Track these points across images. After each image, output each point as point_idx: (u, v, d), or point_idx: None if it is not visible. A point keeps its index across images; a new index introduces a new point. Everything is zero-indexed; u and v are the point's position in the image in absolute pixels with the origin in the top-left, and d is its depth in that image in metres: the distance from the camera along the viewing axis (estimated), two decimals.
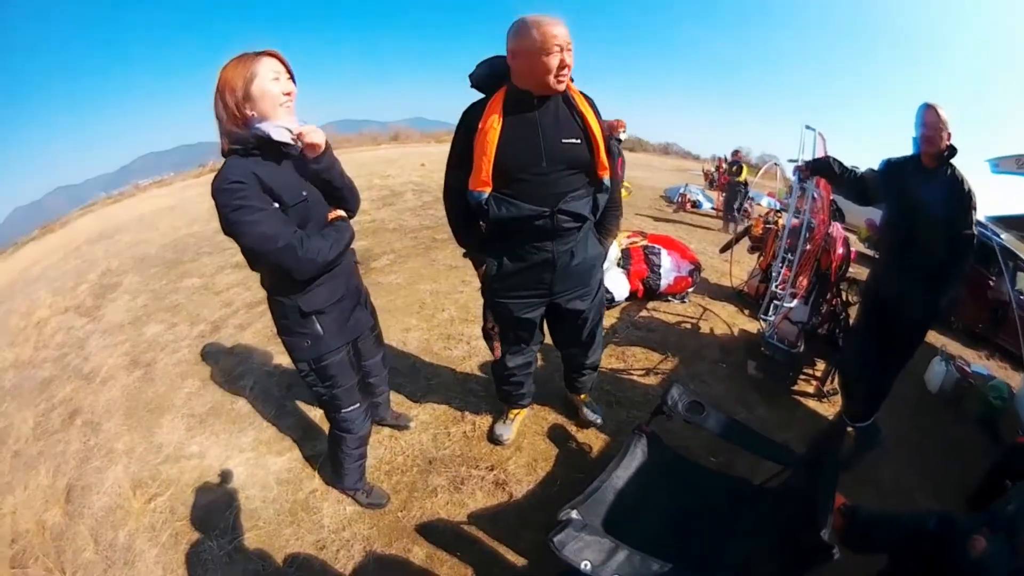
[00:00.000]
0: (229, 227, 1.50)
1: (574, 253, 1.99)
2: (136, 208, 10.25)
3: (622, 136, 5.58)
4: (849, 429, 2.83)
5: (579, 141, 1.82)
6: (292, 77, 1.63)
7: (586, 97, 1.88)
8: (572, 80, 1.81)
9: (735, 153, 10.15)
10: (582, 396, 2.68)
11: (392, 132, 21.25)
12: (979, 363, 4.80)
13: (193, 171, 14.84)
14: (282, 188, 1.57)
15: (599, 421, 2.64)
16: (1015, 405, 3.69)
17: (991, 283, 5.97)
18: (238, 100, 1.50)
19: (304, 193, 1.65)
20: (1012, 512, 1.90)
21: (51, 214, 13.23)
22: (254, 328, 3.71)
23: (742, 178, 8.92)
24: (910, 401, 3.61)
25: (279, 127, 1.55)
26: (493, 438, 2.51)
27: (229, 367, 3.20)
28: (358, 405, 1.94)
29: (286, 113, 1.58)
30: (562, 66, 1.69)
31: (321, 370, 1.80)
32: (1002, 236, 6.14)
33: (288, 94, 1.58)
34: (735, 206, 8.86)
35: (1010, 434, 3.28)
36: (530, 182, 1.83)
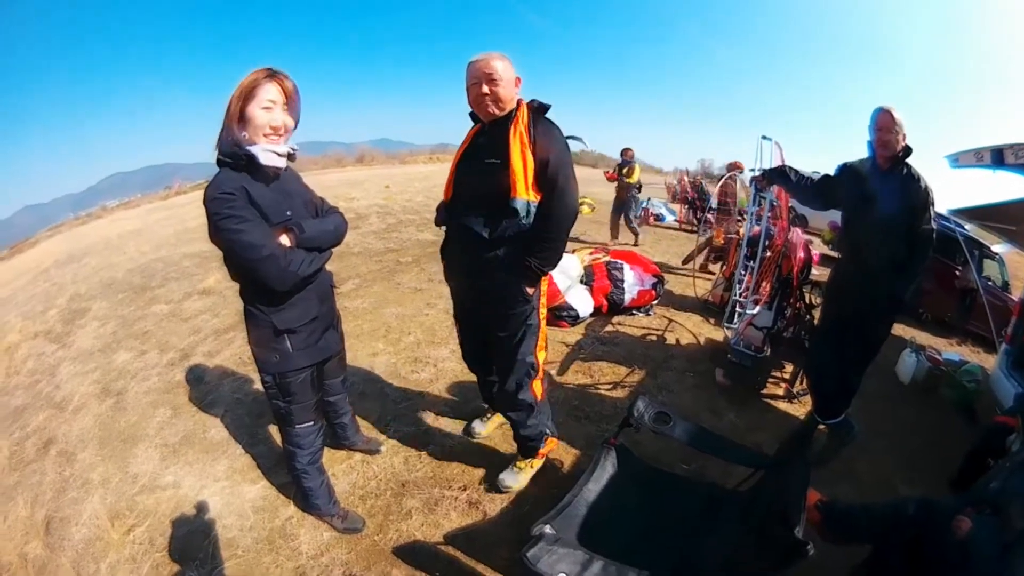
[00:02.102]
0: (217, 233, 1.55)
1: (480, 271, 2.07)
2: (103, 230, 10.08)
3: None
4: (822, 426, 2.88)
5: (499, 162, 1.92)
6: (291, 109, 1.69)
7: (536, 123, 1.97)
8: (529, 109, 1.99)
9: (624, 152, 8.00)
10: (517, 458, 2.46)
11: (358, 154, 21.23)
12: (951, 351, 4.99)
13: (159, 193, 14.63)
14: (268, 206, 1.63)
15: (508, 487, 2.37)
16: (991, 386, 3.81)
17: (957, 273, 6.22)
18: (234, 114, 1.58)
19: (288, 213, 1.71)
20: (996, 489, 1.97)
21: (20, 233, 13.18)
22: (223, 356, 3.69)
23: (633, 179, 7.72)
24: (884, 394, 3.73)
25: (267, 150, 1.61)
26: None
27: (200, 396, 3.17)
28: (312, 423, 1.98)
29: (269, 144, 1.63)
30: (481, 94, 1.92)
31: (284, 385, 1.84)
32: (966, 227, 6.39)
33: (275, 128, 1.63)
34: (630, 215, 7.88)
35: (988, 415, 3.38)
36: (457, 198, 2.12)
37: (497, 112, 1.95)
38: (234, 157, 1.58)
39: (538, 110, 2.05)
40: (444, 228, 2.24)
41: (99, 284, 5.92)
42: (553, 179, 1.95)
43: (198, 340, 4.01)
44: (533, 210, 1.98)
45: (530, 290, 2.11)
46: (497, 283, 2.07)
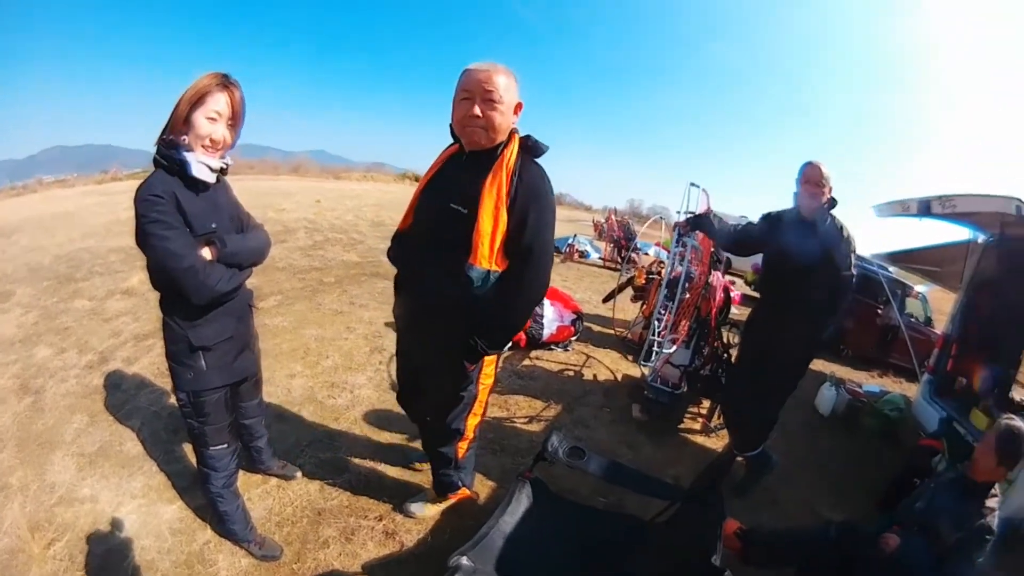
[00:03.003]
0: (142, 238, 1.55)
1: (426, 327, 1.86)
2: (37, 207, 9.54)
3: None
4: (740, 459, 3.01)
5: (465, 212, 1.60)
6: (235, 125, 1.69)
7: (524, 171, 1.63)
8: (515, 143, 1.66)
9: None
10: (427, 491, 2.44)
11: (293, 163, 20.78)
12: (872, 383, 5.39)
13: (95, 176, 13.97)
14: (194, 215, 1.62)
15: (413, 514, 2.38)
16: (914, 412, 4.14)
17: (879, 311, 6.74)
18: (180, 115, 1.58)
19: (213, 225, 1.70)
20: (922, 508, 2.15)
21: None
22: (141, 363, 3.58)
23: None
24: (804, 425, 3.99)
25: (200, 163, 1.61)
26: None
27: (117, 404, 3.06)
28: (226, 446, 1.96)
29: (205, 155, 1.63)
30: (470, 115, 1.57)
31: (198, 404, 1.82)
32: (890, 269, 6.95)
33: (214, 141, 1.64)
34: None
35: (911, 439, 3.66)
36: (414, 235, 1.83)
37: (484, 143, 1.61)
38: (169, 160, 1.58)
39: (529, 150, 1.69)
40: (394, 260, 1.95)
41: (26, 267, 5.62)
42: (528, 247, 1.63)
43: (117, 344, 3.86)
44: (493, 280, 1.67)
45: (470, 367, 1.86)
46: (439, 347, 1.84)
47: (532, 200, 1.61)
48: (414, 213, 1.84)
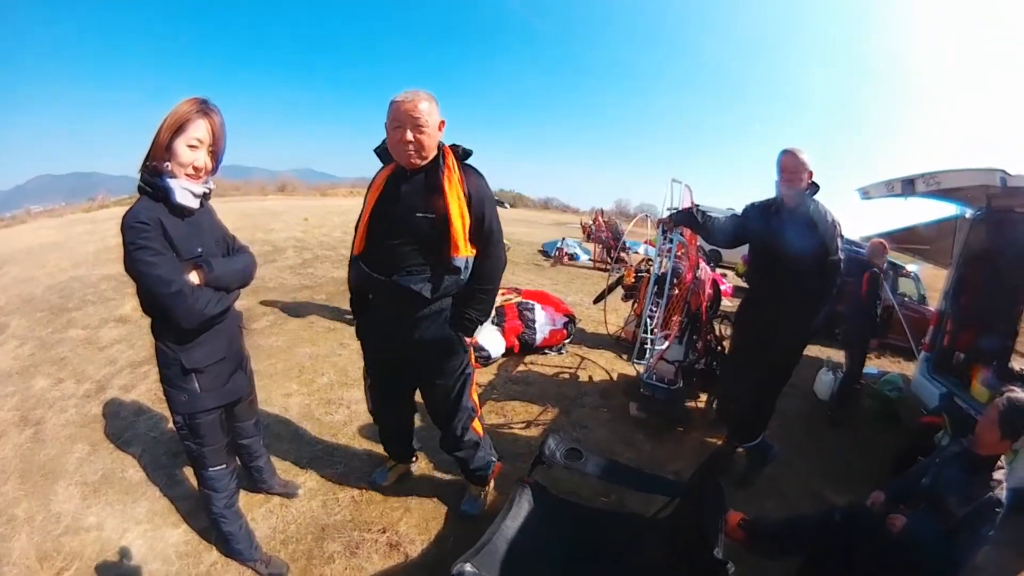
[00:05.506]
0: (130, 264, 1.57)
1: (417, 326, 2.01)
2: (26, 237, 9.57)
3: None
4: (740, 450, 3.01)
5: (433, 217, 1.84)
6: (216, 151, 1.71)
7: (467, 175, 1.91)
8: (450, 155, 1.90)
9: None
10: (470, 488, 2.58)
11: (279, 182, 20.96)
12: (869, 364, 5.31)
13: (83, 204, 14.09)
14: (180, 240, 1.65)
15: (474, 515, 2.51)
16: (914, 390, 4.16)
17: None
18: (161, 143, 1.60)
19: (199, 250, 1.73)
20: (928, 484, 2.12)
21: None
22: (138, 390, 3.59)
23: None
24: (803, 413, 3.98)
25: (184, 189, 1.63)
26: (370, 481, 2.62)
27: (117, 432, 3.07)
28: (224, 466, 1.98)
29: (188, 182, 1.65)
30: (403, 141, 1.76)
31: (194, 426, 1.84)
32: None
33: (196, 169, 1.66)
34: None
35: (912, 418, 3.68)
36: (381, 251, 1.95)
37: (419, 162, 1.83)
38: (153, 187, 1.60)
39: (463, 157, 1.98)
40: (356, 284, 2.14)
41: (18, 298, 5.62)
42: (488, 233, 1.97)
43: (114, 372, 3.87)
44: (471, 265, 1.98)
45: (469, 340, 2.14)
46: (436, 337, 2.04)
47: (483, 199, 1.93)
48: (370, 235, 1.98)
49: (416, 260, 1.91)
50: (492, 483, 2.61)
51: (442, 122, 1.86)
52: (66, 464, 2.80)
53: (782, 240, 2.58)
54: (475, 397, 2.34)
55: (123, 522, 2.39)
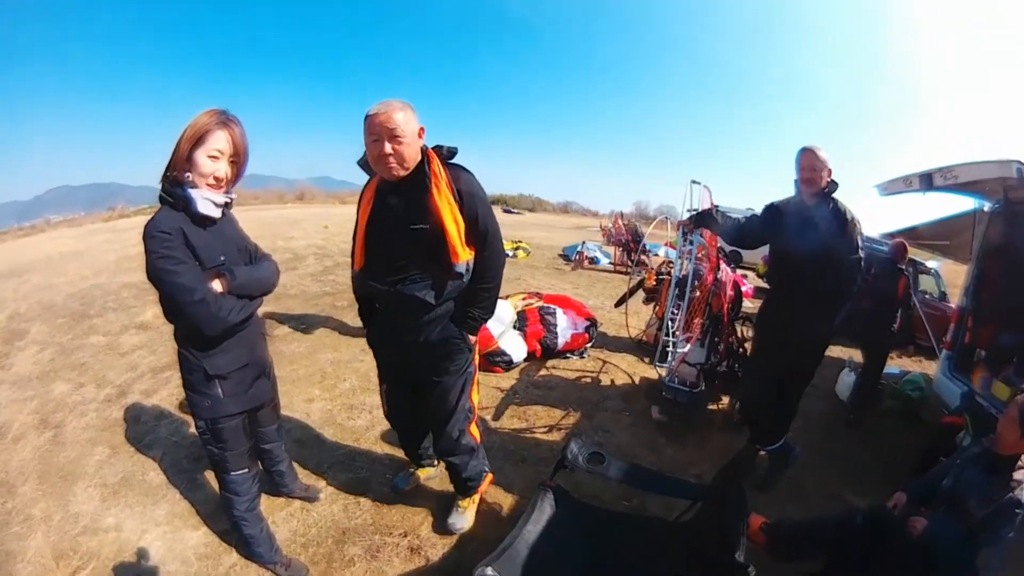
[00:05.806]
0: (153, 273, 1.57)
1: (422, 330, 2.02)
2: (45, 246, 9.71)
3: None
4: (762, 453, 2.96)
5: (427, 227, 1.83)
6: (238, 162, 1.72)
7: (455, 174, 1.87)
8: (435, 160, 1.85)
9: None
10: (458, 500, 2.49)
11: (298, 191, 21.17)
12: (891, 364, 5.19)
13: (102, 214, 14.32)
14: (203, 250, 1.66)
15: (459, 528, 2.42)
16: (936, 390, 4.06)
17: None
18: (182, 154, 1.61)
19: (222, 258, 1.74)
20: (949, 485, 2.08)
21: None
22: (159, 395, 3.62)
23: None
24: (825, 414, 3.91)
25: (205, 199, 1.64)
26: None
27: (137, 435, 3.10)
28: (246, 471, 1.99)
29: (210, 192, 1.66)
30: (383, 154, 1.73)
31: (216, 431, 1.85)
32: None
33: (218, 179, 1.67)
34: None
35: (934, 417, 3.60)
36: (381, 264, 1.97)
37: (401, 173, 1.79)
38: (174, 197, 1.61)
39: (448, 157, 1.93)
40: (363, 295, 2.18)
41: (39, 305, 5.70)
42: (484, 233, 1.95)
43: (135, 377, 3.91)
44: (472, 266, 1.99)
45: (472, 339, 2.14)
46: (441, 337, 2.05)
47: (475, 199, 1.90)
48: (368, 250, 2.00)
49: (417, 269, 1.93)
50: (479, 495, 2.53)
51: (421, 129, 1.83)
52: (85, 466, 2.82)
53: (801, 240, 2.55)
54: (475, 399, 2.32)
55: (142, 523, 2.41)
